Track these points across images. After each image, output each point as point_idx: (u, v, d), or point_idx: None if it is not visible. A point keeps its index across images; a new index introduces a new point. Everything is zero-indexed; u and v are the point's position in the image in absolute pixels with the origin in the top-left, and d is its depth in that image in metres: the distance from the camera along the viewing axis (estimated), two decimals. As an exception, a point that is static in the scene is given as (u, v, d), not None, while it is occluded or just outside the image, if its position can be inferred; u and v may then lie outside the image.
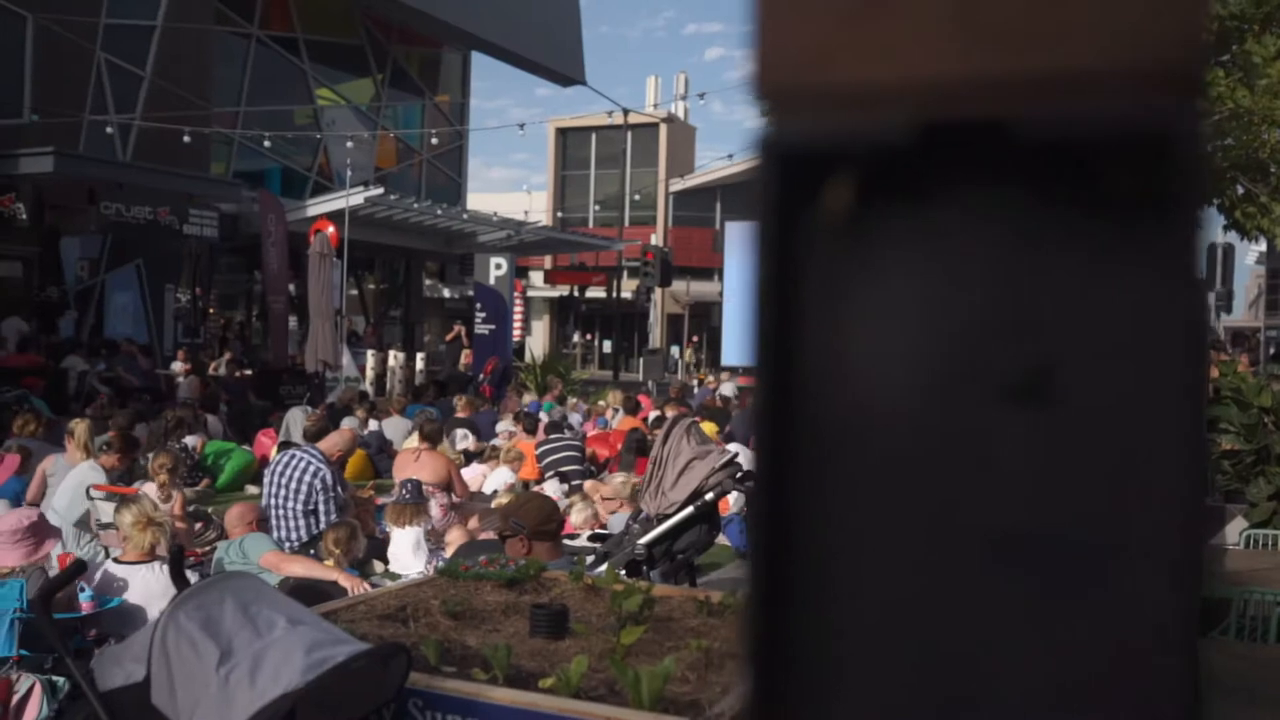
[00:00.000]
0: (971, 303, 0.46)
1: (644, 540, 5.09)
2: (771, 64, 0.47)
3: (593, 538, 6.18)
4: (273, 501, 7.10)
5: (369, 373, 18.42)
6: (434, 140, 24.06)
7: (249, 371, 16.89)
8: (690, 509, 5.11)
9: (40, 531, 5.29)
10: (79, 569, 2.68)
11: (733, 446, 8.73)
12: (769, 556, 0.47)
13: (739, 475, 5.40)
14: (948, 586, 0.47)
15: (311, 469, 7.09)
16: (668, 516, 5.13)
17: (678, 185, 38.72)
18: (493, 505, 8.33)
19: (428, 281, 29.45)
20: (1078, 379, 0.46)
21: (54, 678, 4.21)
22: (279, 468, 7.22)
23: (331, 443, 7.72)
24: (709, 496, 5.15)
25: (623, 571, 4.59)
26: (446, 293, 31.57)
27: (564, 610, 3.10)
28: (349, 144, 21.72)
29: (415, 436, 9.77)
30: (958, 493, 0.47)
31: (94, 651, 4.20)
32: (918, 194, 0.46)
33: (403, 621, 3.15)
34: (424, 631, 3.05)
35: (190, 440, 10.38)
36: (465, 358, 21.91)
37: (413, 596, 3.40)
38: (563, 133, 42.12)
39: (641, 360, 29.64)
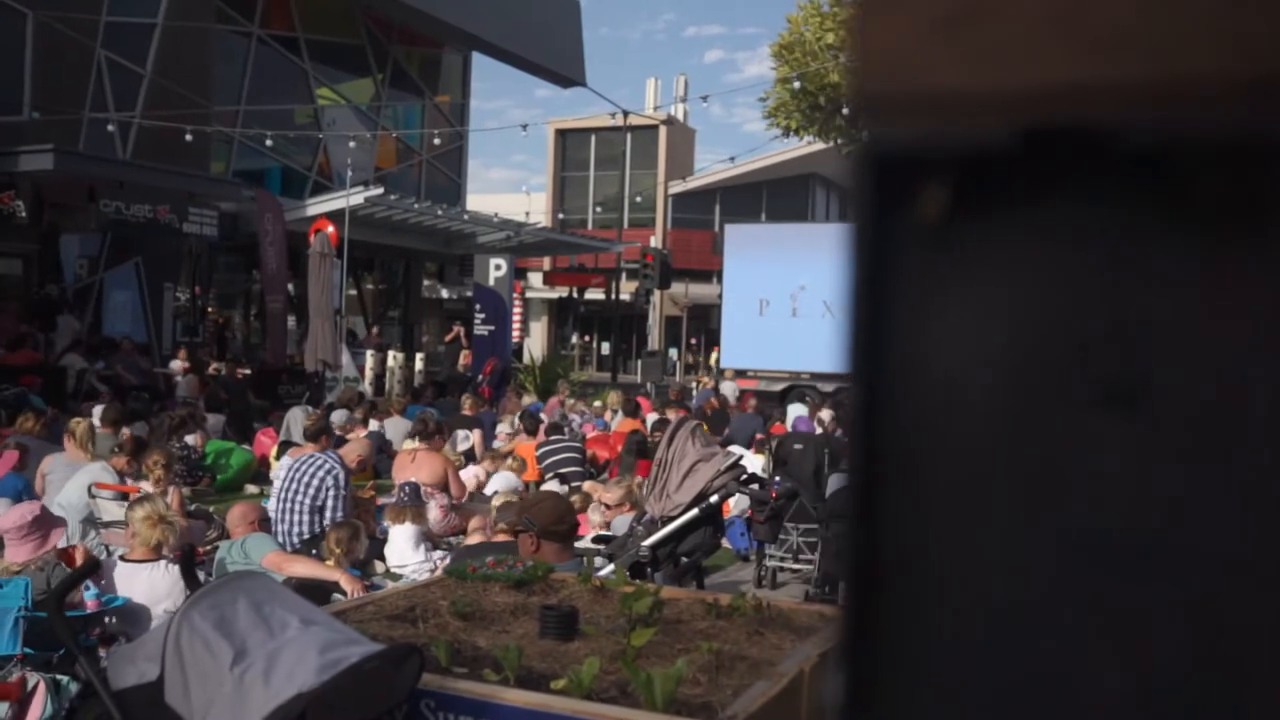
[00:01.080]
0: (1065, 310, 0.46)
1: (648, 542, 5.10)
2: (869, 70, 0.47)
3: (597, 539, 6.18)
4: (283, 494, 7.20)
5: (368, 373, 18.42)
6: (436, 141, 24.06)
7: (248, 371, 16.89)
8: (695, 511, 5.12)
9: (45, 524, 5.30)
10: (93, 567, 2.67)
11: (733, 449, 8.75)
12: (860, 559, 0.48)
13: (743, 478, 5.42)
14: (1037, 591, 0.47)
15: (326, 466, 7.29)
16: (672, 519, 5.14)
17: (677, 187, 38.74)
18: (493, 504, 8.34)
19: (426, 282, 29.45)
20: (1171, 388, 0.46)
21: (58, 676, 4.21)
22: (297, 464, 7.35)
23: (351, 448, 8.06)
24: (714, 499, 5.16)
25: (626, 573, 4.59)
26: (445, 293, 31.57)
27: (574, 612, 3.09)
28: (351, 144, 21.71)
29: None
30: (1049, 499, 0.47)
31: (99, 649, 4.20)
32: (1013, 200, 0.46)
33: (412, 622, 3.15)
34: (433, 632, 3.04)
35: (191, 439, 10.38)
36: (464, 358, 21.91)
37: (421, 597, 3.40)
38: (562, 134, 42.15)
39: (640, 362, 29.65)
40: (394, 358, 18.87)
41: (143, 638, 2.56)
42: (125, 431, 9.22)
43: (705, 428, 10.52)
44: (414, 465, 8.63)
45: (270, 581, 2.70)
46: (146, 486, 7.22)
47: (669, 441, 5.29)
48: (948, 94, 0.46)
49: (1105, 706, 0.47)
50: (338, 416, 10.76)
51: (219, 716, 2.24)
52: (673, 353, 37.27)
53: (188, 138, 17.64)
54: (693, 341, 38.28)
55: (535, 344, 34.17)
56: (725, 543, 7.46)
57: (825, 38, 18.77)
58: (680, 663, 2.59)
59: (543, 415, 12.84)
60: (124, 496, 7.42)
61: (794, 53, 19.27)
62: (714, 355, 31.82)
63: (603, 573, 4.17)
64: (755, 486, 5.58)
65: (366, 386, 17.40)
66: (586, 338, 41.78)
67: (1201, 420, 0.45)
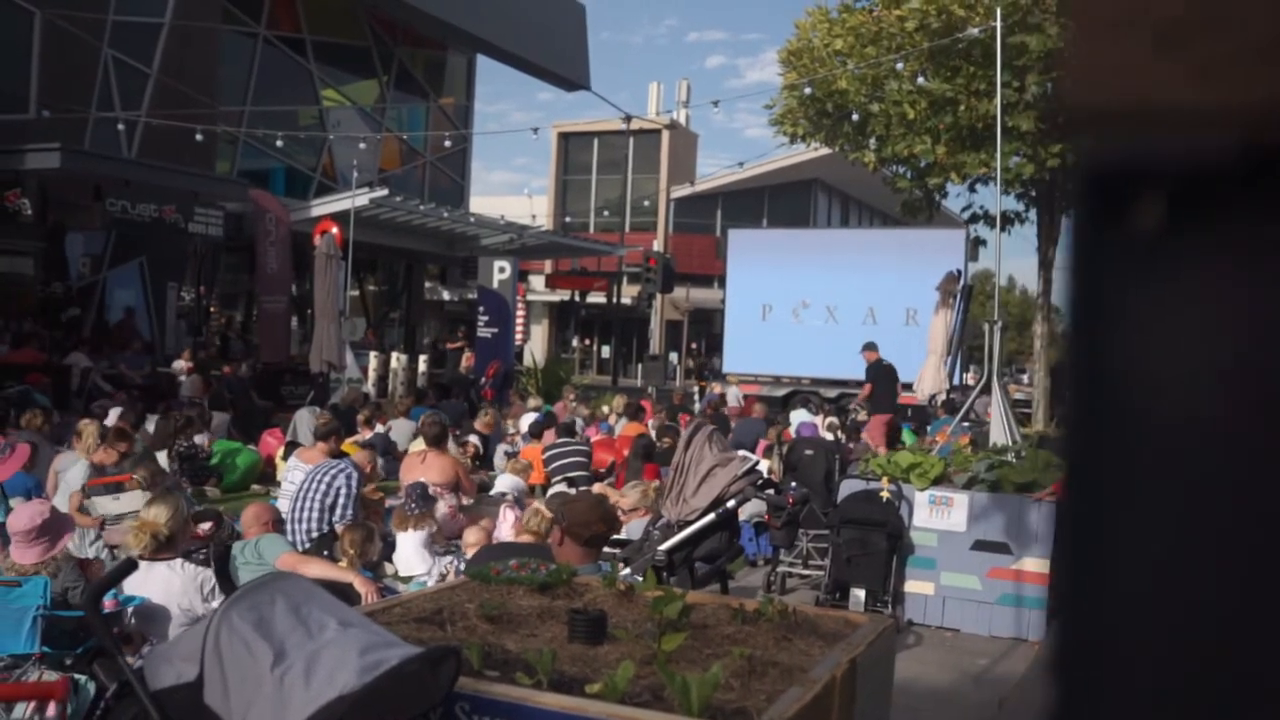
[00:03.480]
0: (1280, 323, 0.47)
1: (664, 546, 5.09)
2: (1086, 83, 0.47)
3: (612, 543, 6.17)
4: (300, 492, 7.25)
5: (371, 374, 18.41)
6: (447, 144, 24.05)
7: (252, 372, 16.89)
8: (711, 515, 5.12)
9: (54, 526, 5.28)
10: (130, 566, 2.67)
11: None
12: (1077, 566, 0.48)
13: (760, 483, 5.41)
14: (1259, 609, 0.47)
15: (339, 466, 7.43)
16: (688, 523, 5.14)
17: (680, 192, 38.74)
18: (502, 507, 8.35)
19: (427, 284, 29.44)
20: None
21: (75, 676, 4.20)
22: (317, 470, 7.46)
23: (361, 455, 8.38)
24: (730, 504, 5.16)
25: (639, 578, 4.58)
26: (446, 295, 31.57)
27: (603, 616, 3.09)
28: (362, 145, 21.70)
29: (421, 439, 9.79)
30: (1264, 509, 0.47)
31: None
32: (1234, 217, 0.47)
33: (439, 625, 3.15)
34: (462, 635, 3.04)
35: (200, 439, 10.37)
36: (467, 360, 21.90)
37: (447, 600, 3.40)
38: (565, 137, 42.17)
39: (640, 366, 29.66)
40: (397, 359, 18.87)
41: (179, 637, 2.56)
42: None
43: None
44: (424, 466, 8.64)
45: (306, 582, 2.69)
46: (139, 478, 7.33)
47: (686, 446, 5.29)
48: (1169, 108, 0.46)
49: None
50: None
51: (259, 718, 2.24)
52: (673, 357, 37.28)
53: (198, 137, 17.63)
54: (693, 346, 38.28)
55: (536, 347, 34.17)
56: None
57: (834, 44, 18.74)
58: (716, 668, 2.59)
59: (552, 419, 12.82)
60: (118, 488, 7.41)
61: (802, 59, 19.26)
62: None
63: (624, 575, 4.16)
64: (771, 491, 5.58)
65: (370, 388, 17.39)
66: (587, 341, 41.77)
67: None
